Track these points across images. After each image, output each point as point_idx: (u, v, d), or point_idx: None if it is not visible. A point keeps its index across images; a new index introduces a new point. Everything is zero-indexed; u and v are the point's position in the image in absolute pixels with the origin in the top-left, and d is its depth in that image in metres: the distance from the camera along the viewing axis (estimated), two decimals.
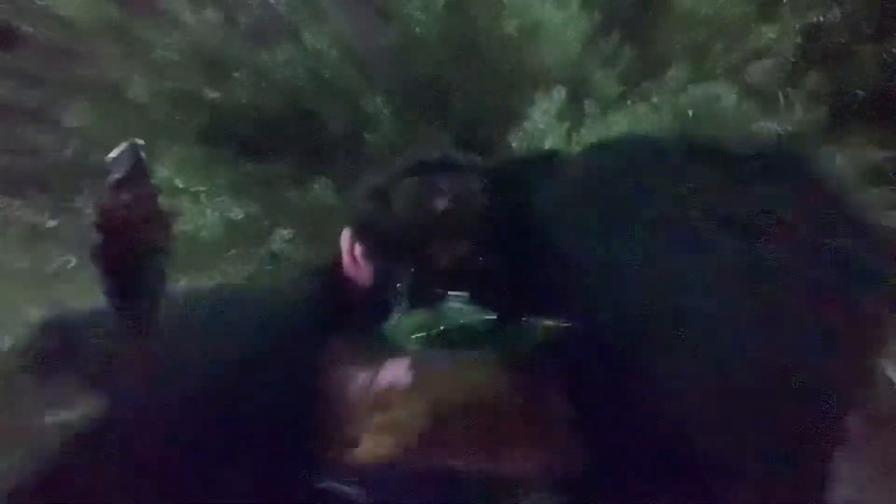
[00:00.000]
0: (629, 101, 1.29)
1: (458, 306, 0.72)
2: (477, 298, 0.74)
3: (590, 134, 1.28)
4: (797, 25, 1.10)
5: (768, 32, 1.11)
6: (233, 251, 1.19)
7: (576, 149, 1.29)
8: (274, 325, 0.79)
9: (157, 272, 0.74)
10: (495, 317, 0.71)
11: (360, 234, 0.82)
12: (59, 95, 1.27)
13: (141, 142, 0.70)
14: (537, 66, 1.35)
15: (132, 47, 1.33)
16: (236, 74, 1.33)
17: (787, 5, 1.10)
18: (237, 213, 1.16)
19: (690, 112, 1.23)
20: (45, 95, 1.28)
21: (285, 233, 1.17)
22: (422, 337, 0.70)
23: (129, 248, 0.73)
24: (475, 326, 0.72)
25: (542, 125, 1.28)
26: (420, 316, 0.74)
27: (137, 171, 0.70)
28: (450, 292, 0.71)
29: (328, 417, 0.69)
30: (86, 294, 1.16)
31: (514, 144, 1.33)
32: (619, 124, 1.26)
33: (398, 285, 0.77)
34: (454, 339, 0.71)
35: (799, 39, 1.10)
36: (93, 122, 1.27)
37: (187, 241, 1.20)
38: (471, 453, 0.67)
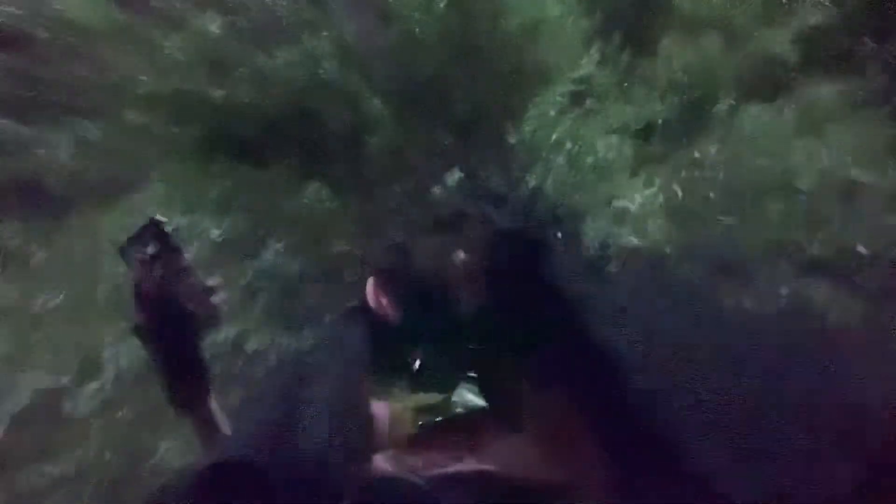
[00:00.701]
0: (625, 84, 1.28)
1: (466, 397, 0.77)
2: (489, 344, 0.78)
3: (592, 124, 1.28)
4: (795, 26, 1.09)
5: (767, 34, 1.10)
6: (220, 270, 1.18)
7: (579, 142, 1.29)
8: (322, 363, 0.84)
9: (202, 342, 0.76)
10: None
11: (384, 286, 0.86)
12: (64, 99, 1.28)
13: (163, 218, 0.72)
14: (538, 66, 1.35)
15: (139, 48, 1.34)
16: (241, 70, 1.33)
17: (786, 6, 1.09)
18: (217, 236, 1.16)
19: (686, 78, 1.22)
20: (50, 98, 1.28)
21: (279, 245, 1.17)
22: (427, 422, 0.75)
23: (172, 323, 0.75)
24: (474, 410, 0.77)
25: (552, 112, 1.27)
26: (430, 398, 0.78)
27: (167, 247, 0.72)
28: (461, 378, 0.76)
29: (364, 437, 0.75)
30: (71, 333, 1.17)
31: (512, 141, 1.33)
32: (619, 111, 1.25)
33: (416, 359, 0.81)
34: (451, 424, 0.76)
35: (797, 40, 1.09)
36: (96, 139, 1.27)
37: None
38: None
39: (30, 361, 1.17)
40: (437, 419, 0.76)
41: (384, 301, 0.87)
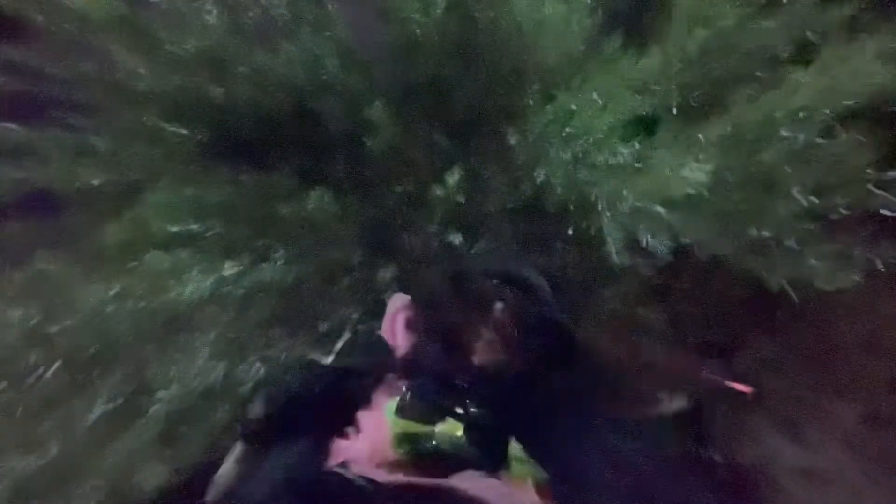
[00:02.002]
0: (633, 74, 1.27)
1: (451, 433, 0.77)
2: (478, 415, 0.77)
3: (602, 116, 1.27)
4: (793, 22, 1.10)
5: (765, 31, 1.11)
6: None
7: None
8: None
9: None
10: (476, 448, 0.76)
11: (413, 308, 0.85)
12: (64, 96, 1.26)
13: None
14: (539, 66, 1.35)
15: (141, 42, 1.32)
16: (241, 69, 1.32)
17: (786, 5, 1.10)
18: (227, 269, 1.14)
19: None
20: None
21: (278, 256, 1.16)
22: (407, 449, 0.75)
23: None
24: (457, 450, 0.77)
25: (574, 105, 1.26)
26: (415, 427, 0.78)
27: None
28: (447, 416, 0.76)
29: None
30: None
31: (513, 140, 1.33)
32: (629, 101, 1.25)
33: (412, 385, 0.80)
34: (433, 459, 0.76)
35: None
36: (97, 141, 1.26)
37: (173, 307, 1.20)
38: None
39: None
40: (416, 448, 0.76)
41: (399, 322, 0.85)
